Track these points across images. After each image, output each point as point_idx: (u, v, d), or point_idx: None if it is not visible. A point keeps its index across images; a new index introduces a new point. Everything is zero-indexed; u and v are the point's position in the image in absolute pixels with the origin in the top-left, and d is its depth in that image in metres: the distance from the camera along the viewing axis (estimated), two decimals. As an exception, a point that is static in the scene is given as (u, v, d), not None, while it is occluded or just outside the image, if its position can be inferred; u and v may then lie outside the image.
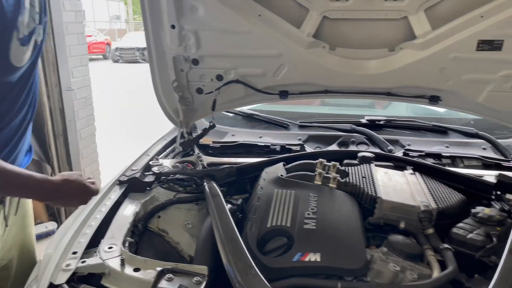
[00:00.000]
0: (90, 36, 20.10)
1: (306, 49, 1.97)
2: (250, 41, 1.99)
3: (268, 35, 1.95)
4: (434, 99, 2.08)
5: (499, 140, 2.23)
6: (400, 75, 1.98)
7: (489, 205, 1.65)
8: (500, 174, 1.70)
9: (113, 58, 19.91)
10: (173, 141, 2.34)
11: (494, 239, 1.38)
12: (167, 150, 2.26)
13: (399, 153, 2.14)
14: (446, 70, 1.94)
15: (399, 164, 1.93)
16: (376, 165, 1.89)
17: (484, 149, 2.22)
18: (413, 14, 1.80)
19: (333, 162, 1.83)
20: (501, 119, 2.10)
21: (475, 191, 1.76)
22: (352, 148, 2.22)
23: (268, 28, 1.94)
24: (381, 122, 2.42)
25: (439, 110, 2.58)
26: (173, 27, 2.01)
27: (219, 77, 2.16)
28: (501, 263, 1.21)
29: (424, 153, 2.13)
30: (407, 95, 2.11)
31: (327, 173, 1.76)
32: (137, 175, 1.77)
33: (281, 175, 1.77)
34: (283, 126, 2.51)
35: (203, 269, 1.24)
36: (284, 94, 2.18)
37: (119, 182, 1.75)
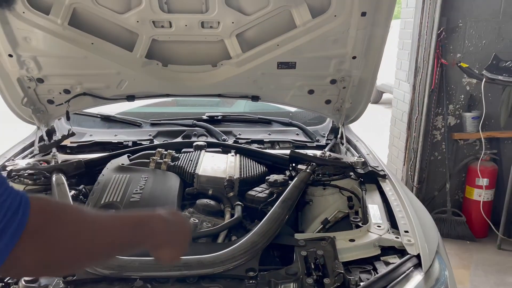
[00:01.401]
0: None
1: (141, 68, 2.29)
2: (88, 64, 2.25)
3: (103, 59, 2.22)
4: (255, 98, 2.64)
5: (308, 127, 2.87)
6: (225, 84, 2.46)
7: (283, 173, 2.21)
8: (291, 151, 2.28)
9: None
10: (32, 144, 2.54)
11: (275, 196, 1.92)
12: (26, 152, 2.46)
13: (230, 141, 2.65)
14: (258, 82, 2.48)
15: (226, 149, 2.42)
16: (208, 151, 2.36)
17: (297, 134, 2.85)
18: (227, 38, 2.24)
19: (169, 151, 2.25)
20: (305, 109, 2.78)
21: (278, 164, 2.33)
22: (194, 139, 2.66)
23: (102, 53, 2.20)
24: (219, 117, 2.92)
25: (274, 105, 3.15)
26: (10, 56, 2.19)
27: (67, 91, 2.43)
28: (272, 209, 1.73)
29: (250, 140, 2.68)
30: (234, 96, 2.64)
31: (162, 159, 2.16)
32: None
33: (122, 164, 2.13)
34: (137, 125, 2.86)
35: None
36: (131, 98, 2.54)
37: None
